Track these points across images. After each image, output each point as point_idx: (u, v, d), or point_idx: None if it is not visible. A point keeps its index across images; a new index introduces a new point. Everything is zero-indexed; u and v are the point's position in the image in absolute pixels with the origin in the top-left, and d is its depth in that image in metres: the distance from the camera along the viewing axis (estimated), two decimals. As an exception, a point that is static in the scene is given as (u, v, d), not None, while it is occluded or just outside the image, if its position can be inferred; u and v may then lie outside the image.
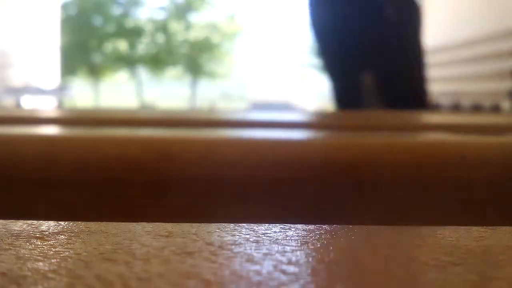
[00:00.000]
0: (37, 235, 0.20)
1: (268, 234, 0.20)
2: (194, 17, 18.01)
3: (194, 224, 0.22)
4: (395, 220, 0.42)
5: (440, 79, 6.43)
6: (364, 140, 0.46)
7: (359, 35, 1.53)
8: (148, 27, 17.10)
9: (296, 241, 0.19)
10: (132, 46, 17.03)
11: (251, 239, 0.19)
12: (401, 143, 0.45)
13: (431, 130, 0.82)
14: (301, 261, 0.17)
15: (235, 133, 0.55)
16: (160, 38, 17.20)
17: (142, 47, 17.29)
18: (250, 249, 0.18)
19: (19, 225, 0.21)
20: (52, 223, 0.22)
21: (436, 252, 0.18)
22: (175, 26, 17.35)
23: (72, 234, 0.20)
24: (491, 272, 0.16)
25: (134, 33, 17.04)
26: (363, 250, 0.19)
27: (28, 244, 0.18)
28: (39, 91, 8.54)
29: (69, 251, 0.18)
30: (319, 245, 0.19)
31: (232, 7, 19.56)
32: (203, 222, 0.22)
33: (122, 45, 17.19)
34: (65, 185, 0.41)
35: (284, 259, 0.17)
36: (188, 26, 17.49)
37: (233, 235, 0.20)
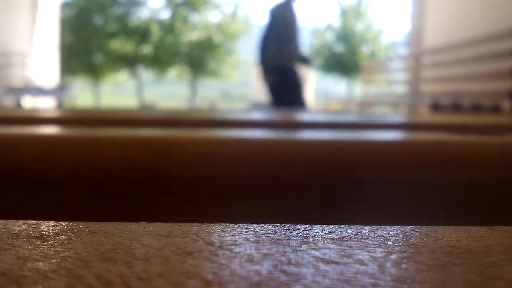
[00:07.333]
0: (37, 235, 0.20)
1: (268, 234, 0.20)
2: (196, 17, 18.01)
3: (194, 224, 0.22)
4: (394, 220, 0.42)
5: (440, 79, 6.43)
6: (363, 140, 0.46)
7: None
8: (151, 27, 17.10)
9: (296, 241, 0.19)
10: (134, 46, 17.03)
11: (251, 239, 0.19)
12: (401, 143, 0.45)
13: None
14: (301, 261, 0.17)
15: (235, 133, 0.55)
16: (163, 38, 17.20)
17: (144, 47, 17.30)
18: (250, 249, 0.18)
19: (19, 225, 0.21)
20: (52, 223, 0.22)
21: (436, 252, 0.18)
22: (177, 26, 17.34)
23: (72, 234, 0.20)
24: (491, 272, 0.16)
25: (136, 33, 17.04)
26: (359, 250, 0.19)
27: (28, 244, 0.18)
28: (39, 91, 8.53)
29: (69, 251, 0.18)
30: (319, 245, 0.19)
31: (233, 7, 19.53)
32: (203, 222, 0.22)
33: (123, 45, 17.19)
34: (65, 185, 0.41)
35: (284, 259, 0.17)
36: (190, 26, 17.49)
37: (233, 235, 0.20)
